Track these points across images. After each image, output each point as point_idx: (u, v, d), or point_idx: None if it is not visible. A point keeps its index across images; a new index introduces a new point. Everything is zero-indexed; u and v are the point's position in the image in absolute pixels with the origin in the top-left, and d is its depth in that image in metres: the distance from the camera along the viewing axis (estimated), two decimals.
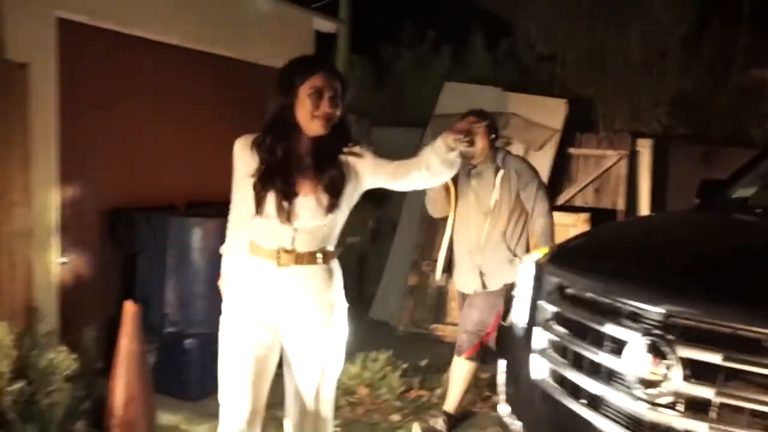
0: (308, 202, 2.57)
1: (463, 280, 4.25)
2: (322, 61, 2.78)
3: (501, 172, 4.12)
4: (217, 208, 4.99)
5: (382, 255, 6.98)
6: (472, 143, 2.69)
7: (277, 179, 2.56)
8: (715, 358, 2.13)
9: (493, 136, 4.16)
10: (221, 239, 4.59)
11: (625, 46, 8.01)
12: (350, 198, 2.68)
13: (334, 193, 2.58)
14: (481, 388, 4.75)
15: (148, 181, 5.14)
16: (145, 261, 4.74)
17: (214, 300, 4.53)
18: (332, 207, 2.58)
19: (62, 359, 3.75)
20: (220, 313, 4.03)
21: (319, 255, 2.66)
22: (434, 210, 4.30)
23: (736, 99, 8.55)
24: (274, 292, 2.64)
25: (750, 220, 3.16)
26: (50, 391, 3.67)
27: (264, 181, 2.58)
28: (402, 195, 6.96)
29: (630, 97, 7.99)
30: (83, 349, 3.99)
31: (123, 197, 4.93)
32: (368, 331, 5.94)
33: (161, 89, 5.22)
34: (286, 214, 2.57)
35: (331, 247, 2.74)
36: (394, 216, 7.11)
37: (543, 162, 6.69)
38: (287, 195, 2.56)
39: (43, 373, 3.74)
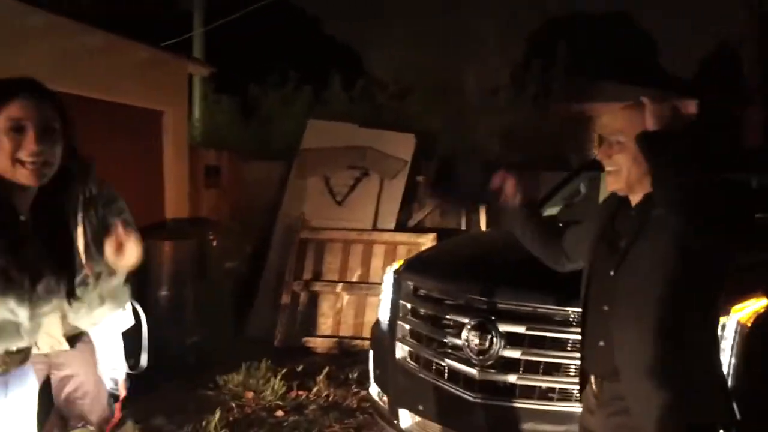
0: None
1: None
2: (25, 82, 2.00)
3: None
4: None
5: (256, 277, 7.64)
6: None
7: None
8: (521, 329, 3.08)
9: None
10: None
11: (462, 85, 9.20)
12: None
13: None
14: (350, 384, 5.55)
15: None
16: None
17: None
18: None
19: None
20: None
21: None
22: None
23: (557, 129, 9.95)
24: None
25: None
26: None
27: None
28: (273, 221, 7.70)
29: (469, 129, 9.17)
30: None
31: None
32: (247, 345, 6.63)
33: None
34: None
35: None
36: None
37: (396, 190, 7.66)
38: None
39: None
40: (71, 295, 2.04)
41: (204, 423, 4.63)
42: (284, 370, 5.58)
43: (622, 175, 2.10)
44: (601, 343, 2.14)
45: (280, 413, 5.02)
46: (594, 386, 2.20)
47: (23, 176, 1.87)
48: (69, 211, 2.12)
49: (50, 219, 1.99)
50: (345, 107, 9.48)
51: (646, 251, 2.05)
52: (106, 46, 6.10)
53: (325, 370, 5.63)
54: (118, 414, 3.23)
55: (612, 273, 2.12)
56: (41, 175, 1.90)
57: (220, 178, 7.97)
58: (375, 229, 7.45)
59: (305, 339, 6.94)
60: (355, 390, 5.48)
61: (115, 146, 6.37)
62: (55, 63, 5.61)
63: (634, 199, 2.15)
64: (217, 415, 4.65)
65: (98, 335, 3.00)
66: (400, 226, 7.51)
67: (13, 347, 1.89)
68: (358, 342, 6.60)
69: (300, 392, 5.41)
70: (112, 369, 3.22)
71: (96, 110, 6.12)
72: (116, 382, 3.21)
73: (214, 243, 6.44)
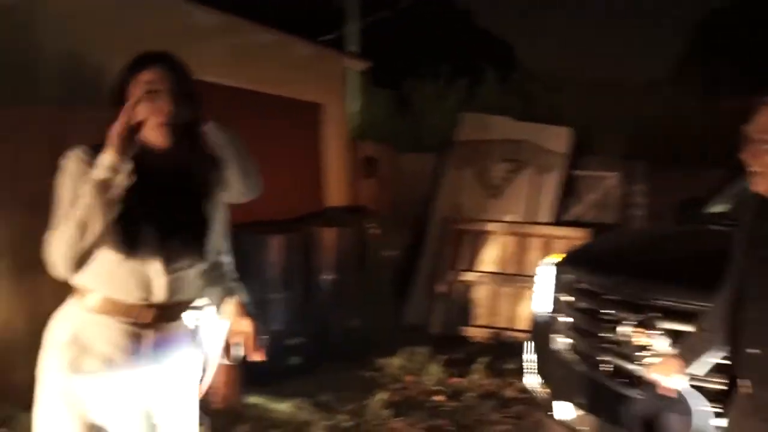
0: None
1: None
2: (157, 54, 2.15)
3: None
4: (275, 226, 5.93)
5: (412, 266, 7.84)
6: None
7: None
8: (683, 327, 3.03)
9: None
10: (285, 252, 5.50)
11: (621, 77, 8.96)
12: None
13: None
14: (506, 374, 5.63)
15: None
16: None
17: (282, 302, 5.48)
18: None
19: None
20: (289, 313, 4.85)
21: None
22: None
23: (722, 124, 9.45)
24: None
25: (721, 230, 4.07)
26: None
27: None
28: (428, 212, 7.88)
29: (624, 124, 8.93)
30: None
31: None
32: (404, 332, 6.85)
33: (227, 125, 6.12)
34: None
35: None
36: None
37: (552, 183, 7.62)
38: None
39: None
40: (201, 256, 2.12)
41: (366, 402, 4.86)
42: (442, 357, 5.73)
43: None
44: (758, 351, 2.08)
45: (439, 398, 5.18)
46: (748, 390, 2.15)
47: (154, 137, 2.04)
48: (208, 176, 2.17)
49: (189, 180, 2.13)
50: (498, 100, 9.49)
51: None
52: (272, 43, 6.48)
53: (482, 360, 5.73)
54: None
55: None
56: (171, 135, 2.06)
57: (378, 169, 8.23)
58: (531, 222, 7.45)
59: (461, 328, 7.08)
60: (512, 380, 5.54)
61: (280, 137, 6.78)
62: (228, 60, 6.04)
63: None
64: (381, 396, 4.87)
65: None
66: (557, 220, 7.47)
67: (151, 299, 2.03)
68: (513, 333, 6.65)
69: (458, 379, 5.55)
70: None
71: (264, 103, 6.52)
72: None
73: (374, 231, 6.70)
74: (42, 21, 5.16)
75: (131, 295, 2.02)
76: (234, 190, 2.19)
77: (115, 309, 2.02)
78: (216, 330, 3.04)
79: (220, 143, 2.13)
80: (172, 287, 2.06)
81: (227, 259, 2.48)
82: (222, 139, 2.14)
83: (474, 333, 6.95)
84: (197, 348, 2.26)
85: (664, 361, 2.52)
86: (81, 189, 1.90)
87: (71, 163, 1.98)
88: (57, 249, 1.89)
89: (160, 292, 2.05)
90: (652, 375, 2.54)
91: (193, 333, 2.23)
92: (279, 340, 5.44)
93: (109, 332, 2.02)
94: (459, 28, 15.56)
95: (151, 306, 2.05)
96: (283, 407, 4.87)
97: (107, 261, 1.97)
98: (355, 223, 6.59)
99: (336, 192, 7.54)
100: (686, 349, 2.51)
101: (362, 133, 9.55)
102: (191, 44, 5.65)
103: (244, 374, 4.86)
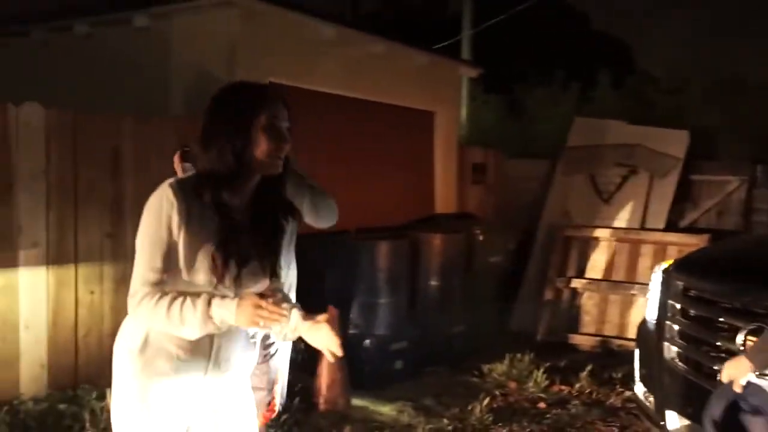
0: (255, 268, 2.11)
1: None
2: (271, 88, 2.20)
3: None
4: (384, 232, 6.06)
5: (518, 272, 7.79)
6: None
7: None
8: None
9: None
10: (391, 258, 5.61)
11: (745, 79, 8.54)
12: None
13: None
14: (613, 383, 5.51)
15: None
16: (332, 277, 5.78)
17: (387, 307, 5.59)
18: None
19: None
20: (394, 318, 4.88)
21: None
22: None
23: None
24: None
25: None
26: None
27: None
28: (537, 218, 7.81)
29: (751, 125, 8.50)
30: (293, 345, 5.04)
31: (303, 224, 5.99)
32: (509, 338, 6.82)
33: (337, 134, 6.33)
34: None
35: None
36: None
37: (667, 188, 7.37)
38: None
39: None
40: (273, 276, 2.15)
41: (470, 407, 4.88)
42: (547, 365, 5.67)
43: None
44: None
45: (542, 405, 5.14)
46: None
47: (274, 167, 2.08)
48: (283, 200, 2.20)
49: (267, 207, 2.14)
50: (613, 104, 9.27)
51: None
52: (386, 53, 6.63)
53: (588, 368, 5.63)
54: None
55: None
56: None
57: (486, 176, 8.23)
58: (643, 228, 7.24)
59: (568, 335, 6.97)
60: (620, 390, 5.42)
61: (392, 145, 6.92)
62: (344, 71, 6.24)
63: None
64: (483, 401, 4.88)
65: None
66: (671, 226, 7.22)
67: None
68: (622, 342, 6.50)
69: (562, 387, 5.48)
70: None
71: (377, 112, 6.69)
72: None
73: (480, 237, 6.71)
74: (172, 39, 5.55)
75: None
76: (308, 218, 2.25)
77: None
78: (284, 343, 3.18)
79: (296, 180, 2.19)
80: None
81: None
82: (298, 175, 2.20)
83: (580, 341, 6.84)
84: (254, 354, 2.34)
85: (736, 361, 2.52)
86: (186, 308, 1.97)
87: (162, 202, 1.99)
88: (143, 315, 2.01)
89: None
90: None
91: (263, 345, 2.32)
92: (384, 345, 5.56)
93: (172, 339, 2.06)
94: (575, 32, 15.26)
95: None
96: (386, 410, 4.98)
97: (180, 282, 2.03)
98: (462, 229, 6.63)
99: (445, 198, 7.61)
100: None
101: (472, 140, 9.58)
102: (311, 57, 5.92)
103: (348, 377, 5.01)
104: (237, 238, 2.03)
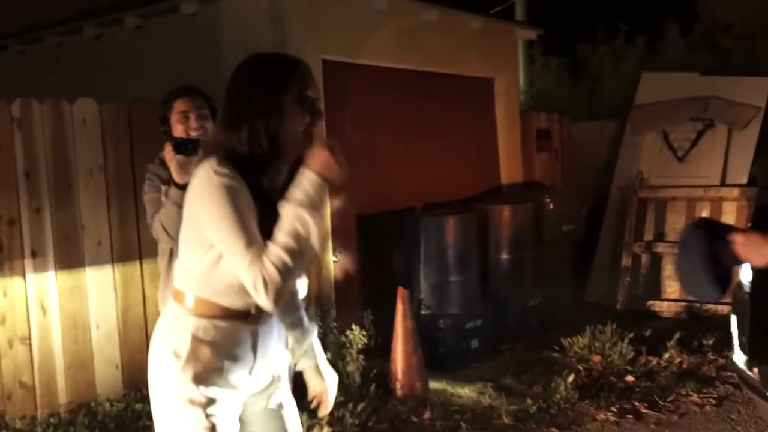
0: None
1: None
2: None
3: None
4: (450, 207, 5.85)
5: (592, 240, 7.48)
6: None
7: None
8: None
9: None
10: (460, 233, 5.42)
11: None
12: None
13: None
14: (705, 351, 5.21)
15: (390, 188, 6.04)
16: (400, 256, 5.61)
17: (459, 285, 5.40)
18: None
19: (354, 337, 4.67)
20: (466, 296, 4.66)
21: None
22: None
23: None
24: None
25: None
26: (347, 362, 4.61)
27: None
28: (608, 182, 7.47)
29: None
30: (365, 329, 4.90)
31: (370, 204, 5.85)
32: (587, 309, 6.56)
33: (395, 108, 6.12)
34: None
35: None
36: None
37: (748, 140, 6.93)
38: None
39: (340, 348, 4.70)
40: None
41: (553, 385, 4.67)
42: (630, 335, 5.39)
43: None
44: None
45: (630, 378, 4.88)
46: None
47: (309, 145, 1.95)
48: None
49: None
50: (683, 56, 8.78)
51: None
52: (441, 21, 6.37)
53: (676, 336, 5.33)
54: None
55: None
56: None
57: (551, 141, 7.91)
58: (724, 184, 6.84)
59: (650, 302, 6.66)
60: (712, 357, 5.13)
61: (454, 116, 6.67)
62: (399, 42, 6.00)
63: None
64: (568, 377, 4.66)
65: None
66: (755, 181, 6.79)
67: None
68: (710, 306, 6.15)
69: (649, 358, 5.20)
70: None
71: (435, 83, 6.44)
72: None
73: (550, 206, 6.44)
74: (221, 23, 5.42)
75: (236, 302, 1.94)
76: None
77: (223, 312, 1.94)
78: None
79: None
80: None
81: None
82: None
83: (664, 308, 6.52)
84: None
85: None
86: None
87: (228, 180, 1.82)
88: (281, 280, 1.78)
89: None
90: None
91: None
92: (458, 324, 5.38)
93: (224, 334, 1.94)
94: None
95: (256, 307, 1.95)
96: (466, 392, 4.82)
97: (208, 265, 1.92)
98: (531, 199, 6.37)
99: (510, 168, 7.33)
100: None
101: (535, 104, 9.24)
102: (363, 31, 5.71)
103: (424, 359, 4.85)
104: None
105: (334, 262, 5.53)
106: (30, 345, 3.88)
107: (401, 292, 4.85)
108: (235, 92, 1.92)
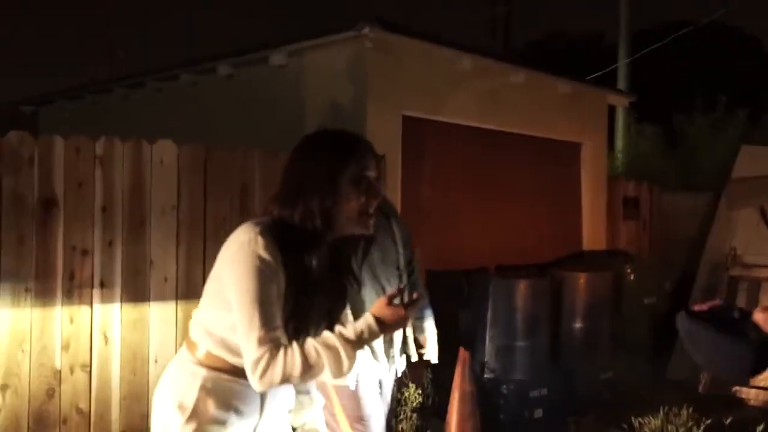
0: None
1: None
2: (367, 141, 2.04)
3: None
4: (524, 270, 5.72)
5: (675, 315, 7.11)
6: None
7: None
8: None
9: None
10: (531, 298, 5.28)
11: None
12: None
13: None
14: None
15: (462, 246, 5.97)
16: (466, 316, 5.50)
17: (526, 351, 5.24)
18: None
19: (410, 394, 4.59)
20: (533, 362, 4.52)
21: None
22: None
23: None
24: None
25: None
26: (401, 419, 4.52)
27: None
28: (697, 257, 7.13)
29: None
30: (423, 387, 4.82)
31: (441, 260, 5.79)
32: (666, 388, 6.19)
33: (473, 166, 6.09)
34: None
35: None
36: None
37: None
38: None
39: (395, 405, 4.62)
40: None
41: None
42: (708, 421, 5.05)
43: None
44: None
45: None
46: None
47: (364, 226, 1.94)
48: (351, 258, 2.03)
49: (336, 266, 1.97)
50: None
51: None
52: (528, 83, 6.35)
53: (760, 427, 4.95)
54: None
55: None
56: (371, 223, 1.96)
57: (639, 210, 7.65)
58: None
59: (736, 388, 6.23)
60: None
61: (535, 178, 6.58)
62: (482, 102, 6.02)
63: None
64: None
65: None
66: None
67: None
68: None
69: None
70: None
71: (519, 144, 6.40)
72: None
73: (632, 277, 6.19)
74: (306, 75, 5.60)
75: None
76: None
77: (235, 369, 1.93)
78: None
79: None
80: None
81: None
82: None
83: (751, 395, 6.08)
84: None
85: None
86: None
87: (266, 253, 1.81)
88: (275, 378, 1.79)
89: None
90: None
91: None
92: (522, 391, 5.20)
93: (232, 388, 1.94)
94: (742, 55, 14.15)
95: None
96: None
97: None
98: (612, 267, 6.14)
99: (593, 234, 7.13)
100: None
101: (626, 172, 8.99)
102: (446, 88, 5.77)
103: (485, 425, 4.70)
104: (311, 305, 1.90)
105: None
106: (90, 373, 4.00)
107: (462, 353, 4.74)
108: (294, 168, 1.94)
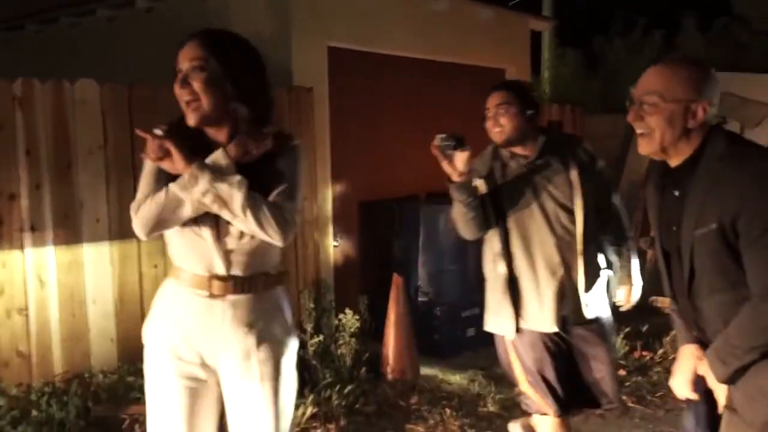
0: None
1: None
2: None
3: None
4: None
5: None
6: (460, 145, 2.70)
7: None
8: None
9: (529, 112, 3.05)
10: None
11: None
12: None
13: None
14: None
15: (393, 176, 6.08)
16: (399, 243, 5.66)
17: (457, 274, 5.43)
18: None
19: (348, 320, 4.74)
20: (464, 285, 4.71)
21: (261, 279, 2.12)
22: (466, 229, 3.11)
23: None
24: (207, 326, 2.09)
25: None
26: (340, 344, 4.68)
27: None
28: (618, 176, 7.43)
29: None
30: (360, 313, 4.97)
31: (373, 190, 5.90)
32: None
33: (401, 96, 6.15)
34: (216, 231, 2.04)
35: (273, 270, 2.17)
36: None
37: (761, 138, 6.85)
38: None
39: (334, 331, 4.77)
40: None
41: None
42: (626, 329, 5.40)
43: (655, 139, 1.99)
44: None
45: (621, 372, 4.89)
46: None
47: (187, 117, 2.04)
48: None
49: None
50: (701, 51, 8.67)
51: None
52: (451, 10, 6.38)
53: (673, 332, 5.32)
54: None
55: None
56: (193, 113, 2.01)
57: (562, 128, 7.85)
58: None
59: (653, 298, 6.61)
60: None
61: (462, 106, 6.67)
62: (407, 31, 6.03)
63: (672, 163, 2.05)
64: None
65: None
66: None
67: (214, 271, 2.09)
68: None
69: (644, 353, 5.21)
70: None
71: (444, 72, 6.46)
72: None
73: None
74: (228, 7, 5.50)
75: (197, 268, 2.07)
76: None
77: (189, 280, 2.09)
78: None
79: None
80: (230, 260, 2.06)
81: None
82: None
83: (666, 303, 6.47)
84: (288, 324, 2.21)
85: None
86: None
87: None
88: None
89: (219, 265, 2.05)
90: None
91: None
92: (454, 312, 5.42)
93: (185, 302, 2.09)
94: None
95: (222, 278, 2.05)
96: (456, 379, 4.86)
97: (173, 234, 2.09)
98: None
99: None
100: None
101: (547, 97, 9.19)
102: (376, 16, 5.74)
103: (418, 346, 4.91)
104: None
105: (335, 247, 5.60)
106: (27, 316, 4.00)
107: (396, 278, 4.91)
108: (254, 65, 2.17)
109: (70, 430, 3.78)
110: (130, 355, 4.33)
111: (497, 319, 3.12)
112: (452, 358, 5.25)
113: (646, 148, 2.06)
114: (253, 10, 5.36)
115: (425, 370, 4.99)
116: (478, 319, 5.45)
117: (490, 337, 5.55)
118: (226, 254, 2.05)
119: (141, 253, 4.41)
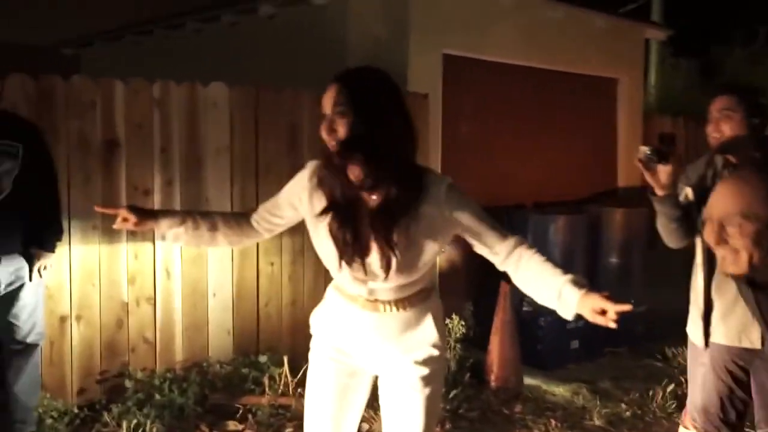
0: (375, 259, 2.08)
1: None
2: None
3: None
4: (561, 207, 5.83)
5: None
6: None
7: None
8: None
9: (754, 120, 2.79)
10: (568, 233, 5.40)
11: None
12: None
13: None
14: None
15: (501, 184, 6.09)
16: None
17: None
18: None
19: (454, 326, 4.79)
20: None
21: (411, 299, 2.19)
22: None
23: None
24: (363, 334, 2.22)
25: None
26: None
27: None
28: None
29: None
30: (465, 320, 5.01)
31: (480, 197, 5.88)
32: None
33: (511, 105, 6.16)
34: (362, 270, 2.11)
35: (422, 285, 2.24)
36: None
37: None
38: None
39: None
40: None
41: (650, 393, 4.61)
42: None
43: None
44: None
45: None
46: None
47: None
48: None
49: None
50: None
51: None
52: (566, 18, 6.33)
53: None
54: None
55: None
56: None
57: (675, 146, 7.65)
58: None
59: None
60: None
61: (573, 115, 6.63)
62: (521, 39, 6.03)
63: None
64: (668, 387, 4.58)
65: None
66: None
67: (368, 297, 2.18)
68: None
69: None
70: None
71: (557, 81, 6.43)
72: None
73: None
74: (347, 15, 5.65)
75: (348, 288, 2.19)
76: None
77: (344, 292, 2.23)
78: None
79: None
80: (376, 295, 2.15)
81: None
82: None
83: None
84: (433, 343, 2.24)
85: None
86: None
87: (305, 172, 2.18)
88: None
89: (367, 294, 2.16)
90: None
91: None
92: (560, 323, 5.35)
93: (344, 307, 2.22)
94: None
95: (371, 301, 2.16)
96: (560, 391, 4.82)
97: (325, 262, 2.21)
98: (646, 203, 6.22)
99: (629, 170, 7.19)
100: None
101: (657, 108, 8.95)
102: (486, 26, 5.79)
103: (522, 355, 4.90)
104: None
105: (441, 252, 5.64)
106: (154, 305, 4.24)
107: (503, 286, 4.91)
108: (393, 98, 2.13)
109: (189, 415, 4.00)
110: (245, 347, 4.53)
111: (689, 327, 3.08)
112: (556, 369, 5.21)
113: None
114: (372, 17, 5.49)
115: (528, 380, 4.97)
116: (583, 331, 5.46)
117: (596, 351, 5.53)
118: (371, 292, 2.15)
119: (259, 251, 4.60)
